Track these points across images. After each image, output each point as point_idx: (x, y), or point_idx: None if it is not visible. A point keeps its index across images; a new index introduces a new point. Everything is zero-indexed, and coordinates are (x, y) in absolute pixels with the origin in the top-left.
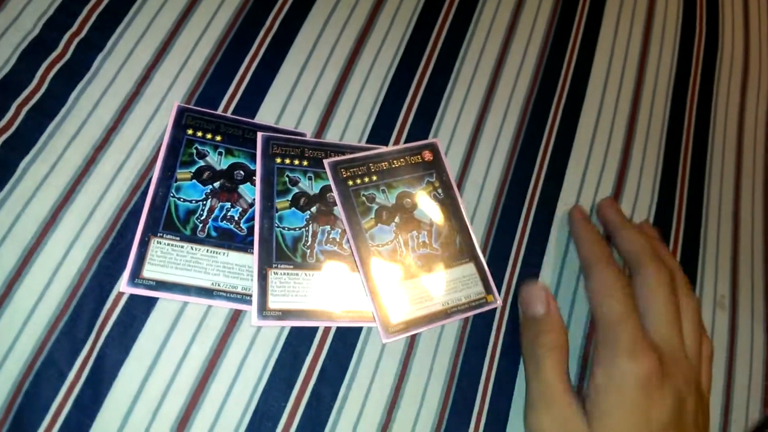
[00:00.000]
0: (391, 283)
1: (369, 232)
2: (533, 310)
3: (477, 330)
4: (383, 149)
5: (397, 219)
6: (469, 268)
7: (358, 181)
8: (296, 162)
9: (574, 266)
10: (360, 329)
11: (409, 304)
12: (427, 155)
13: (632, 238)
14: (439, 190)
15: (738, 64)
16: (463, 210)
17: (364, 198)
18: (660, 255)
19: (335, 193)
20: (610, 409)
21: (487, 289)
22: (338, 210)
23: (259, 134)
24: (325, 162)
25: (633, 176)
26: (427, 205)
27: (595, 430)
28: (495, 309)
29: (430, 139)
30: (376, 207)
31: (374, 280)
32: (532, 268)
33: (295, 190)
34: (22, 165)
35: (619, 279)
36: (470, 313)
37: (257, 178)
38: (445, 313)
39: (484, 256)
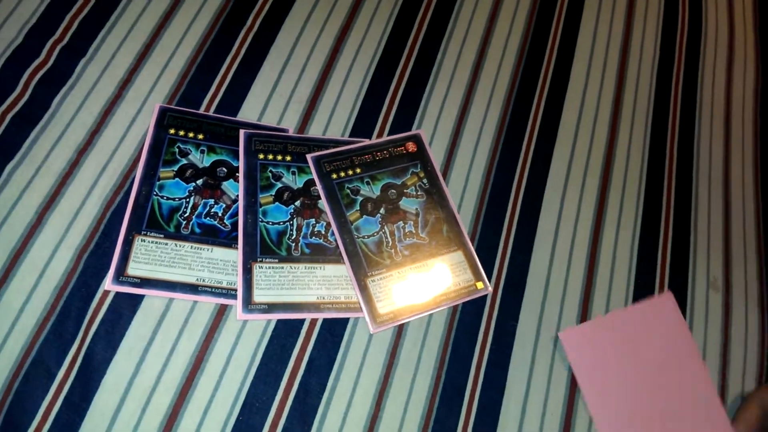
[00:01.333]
0: (378, 274)
1: (354, 224)
2: None
3: (467, 317)
4: (366, 142)
5: (382, 210)
6: (458, 256)
7: (342, 174)
8: (279, 157)
9: (565, 249)
10: (347, 320)
11: (397, 295)
12: (411, 146)
13: None
14: (425, 180)
15: (723, 42)
16: (449, 199)
17: (348, 190)
18: None
19: (319, 187)
20: None
21: (477, 276)
22: (323, 203)
23: (242, 131)
24: (308, 156)
25: (620, 159)
26: (412, 195)
27: None
28: (486, 296)
29: (414, 131)
30: (360, 199)
31: (361, 271)
32: (522, 254)
33: (279, 185)
34: (7, 170)
35: None
36: (460, 301)
37: (240, 175)
38: (434, 302)
39: (473, 243)
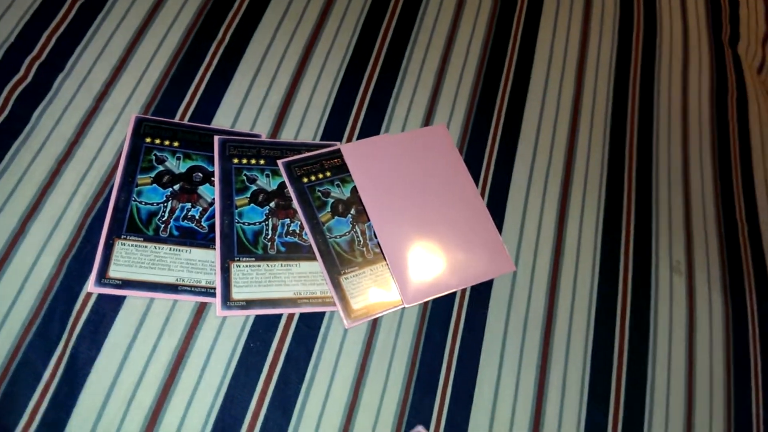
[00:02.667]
0: (351, 272)
1: (326, 225)
2: None
3: (439, 306)
4: (336, 146)
5: (353, 211)
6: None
7: (312, 177)
8: (253, 161)
9: (531, 245)
10: (323, 313)
11: (370, 291)
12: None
13: None
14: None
15: (678, 43)
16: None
17: (319, 193)
18: None
19: (291, 191)
20: None
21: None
22: (295, 206)
23: (216, 137)
24: (279, 162)
25: (581, 155)
26: None
27: None
28: (455, 292)
29: (381, 135)
30: (331, 201)
31: (334, 269)
32: None
33: (254, 187)
34: None
35: None
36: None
37: (216, 179)
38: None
39: None
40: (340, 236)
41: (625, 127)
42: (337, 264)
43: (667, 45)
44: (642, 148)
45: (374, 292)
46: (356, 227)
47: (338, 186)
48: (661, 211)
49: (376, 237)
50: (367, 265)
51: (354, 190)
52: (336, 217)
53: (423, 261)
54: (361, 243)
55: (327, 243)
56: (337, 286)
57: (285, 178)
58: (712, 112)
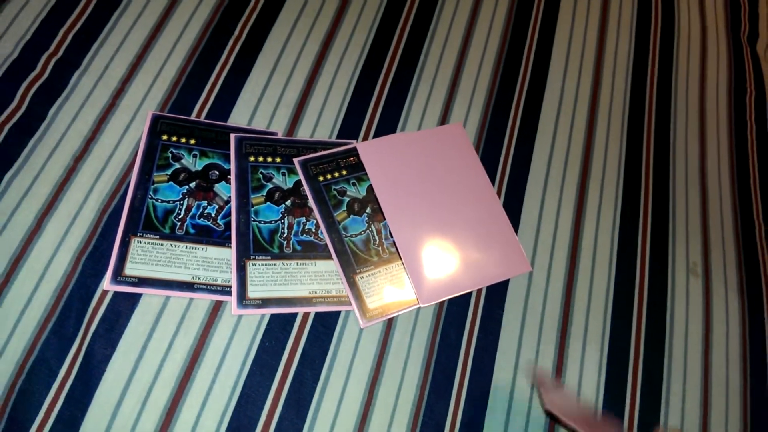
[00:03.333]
0: (367, 271)
1: (342, 224)
2: None
3: (454, 307)
4: (352, 145)
5: (368, 210)
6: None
7: (329, 176)
8: (269, 159)
9: (547, 243)
10: (338, 313)
11: (385, 290)
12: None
13: None
14: None
15: (696, 40)
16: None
17: (335, 192)
18: None
19: (306, 189)
20: None
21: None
22: (311, 204)
23: (233, 135)
24: (295, 160)
25: (598, 155)
26: None
27: None
28: (470, 292)
29: (397, 134)
30: (347, 200)
31: (349, 269)
32: None
33: (270, 185)
34: (5, 179)
35: None
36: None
37: (232, 177)
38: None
39: None
40: (356, 235)
41: (642, 127)
42: (352, 263)
43: (684, 42)
44: (659, 148)
45: (389, 291)
46: (372, 226)
47: (354, 185)
48: (678, 212)
49: (391, 236)
50: (383, 264)
51: (370, 188)
52: (352, 216)
53: (438, 261)
54: (377, 242)
55: (343, 242)
56: (352, 285)
57: (301, 176)
58: (730, 110)
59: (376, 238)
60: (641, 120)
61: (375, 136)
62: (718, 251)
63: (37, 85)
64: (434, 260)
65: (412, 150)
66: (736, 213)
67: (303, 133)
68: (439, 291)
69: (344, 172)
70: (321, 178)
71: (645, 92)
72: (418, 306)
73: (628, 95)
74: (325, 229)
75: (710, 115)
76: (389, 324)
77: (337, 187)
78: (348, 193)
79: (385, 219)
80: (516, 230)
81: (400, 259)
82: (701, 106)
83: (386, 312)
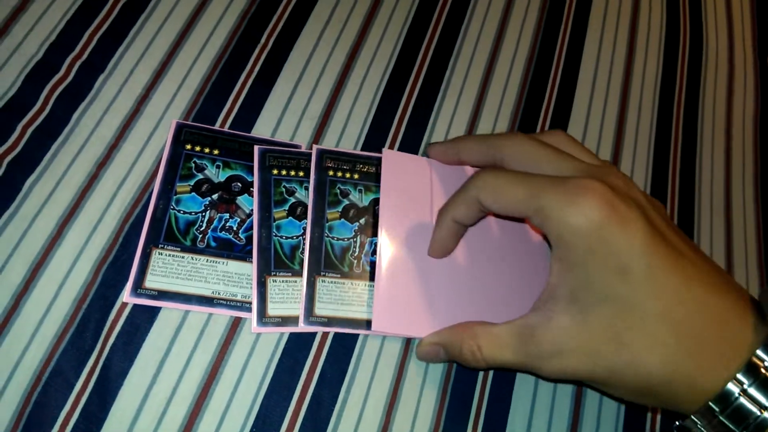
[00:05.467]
0: (330, 277)
1: (329, 223)
2: None
3: None
4: (377, 154)
5: (362, 221)
6: None
7: (339, 174)
8: (292, 173)
9: None
10: (357, 334)
11: (340, 302)
12: None
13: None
14: None
15: (723, 62)
16: None
17: (338, 190)
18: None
19: (312, 178)
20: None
21: None
22: (309, 193)
23: (256, 148)
24: (314, 147)
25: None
26: None
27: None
28: None
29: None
30: (346, 202)
31: (317, 268)
32: None
33: (292, 200)
34: (27, 183)
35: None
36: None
37: (255, 190)
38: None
39: None
40: (339, 239)
41: (668, 151)
42: (321, 264)
43: (712, 64)
44: (685, 174)
45: (344, 306)
46: (358, 237)
47: (360, 192)
48: (702, 240)
49: (373, 255)
50: (350, 278)
51: (373, 201)
52: (343, 220)
53: (416, 297)
54: (355, 254)
55: (322, 239)
56: (311, 285)
57: (312, 165)
58: (756, 134)
59: (356, 250)
60: (668, 144)
61: (400, 150)
62: (741, 276)
63: (61, 87)
64: (411, 294)
65: (441, 178)
66: (760, 242)
67: (327, 146)
68: (397, 325)
69: (356, 176)
70: (330, 173)
71: (672, 115)
72: (364, 332)
73: (654, 120)
74: (311, 221)
75: (736, 139)
76: (406, 348)
77: (342, 187)
78: (350, 196)
79: (374, 236)
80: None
81: (372, 279)
82: (728, 129)
83: (331, 322)
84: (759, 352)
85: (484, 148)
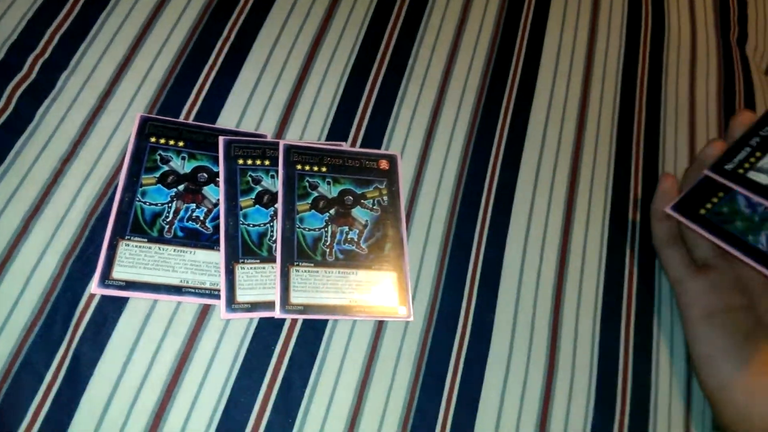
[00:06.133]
0: (305, 267)
1: (300, 215)
2: None
3: (445, 310)
4: (343, 146)
5: (332, 211)
6: (390, 276)
7: (307, 167)
8: (258, 162)
9: (537, 246)
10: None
11: (310, 290)
12: (384, 164)
13: None
14: (385, 198)
15: (686, 42)
16: (402, 223)
17: (307, 183)
18: None
19: (280, 173)
20: None
21: (402, 301)
22: (278, 187)
23: (221, 138)
24: (280, 143)
25: (588, 158)
26: (368, 207)
27: None
28: (462, 294)
29: (391, 151)
30: (315, 194)
31: (289, 259)
32: (495, 248)
33: (259, 188)
34: None
35: None
36: (379, 318)
37: (221, 180)
38: (349, 309)
39: (448, 239)
40: (310, 230)
41: (632, 131)
42: (294, 254)
43: (674, 45)
44: (648, 153)
45: (319, 293)
46: (329, 227)
47: (328, 183)
48: None
49: (345, 243)
50: (323, 267)
51: (343, 192)
52: (313, 211)
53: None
54: (327, 243)
55: (293, 231)
56: (285, 275)
57: (280, 161)
58: (719, 113)
59: (328, 239)
60: (631, 124)
61: (365, 138)
62: None
63: (24, 86)
64: None
65: None
66: None
67: (292, 135)
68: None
69: (324, 169)
70: (299, 167)
71: (635, 96)
72: (343, 317)
73: (618, 99)
74: (282, 215)
75: (700, 117)
76: (379, 328)
77: (310, 180)
78: (319, 189)
79: (345, 227)
80: (506, 232)
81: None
82: (691, 107)
83: (307, 311)
84: None
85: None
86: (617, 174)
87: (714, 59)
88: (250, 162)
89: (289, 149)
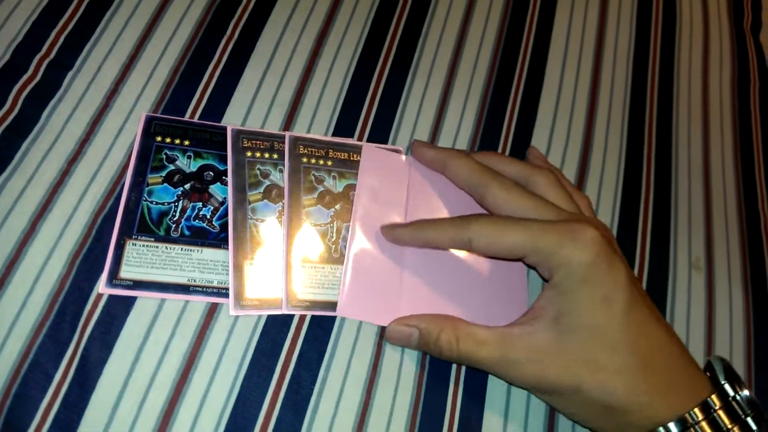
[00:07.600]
0: (309, 264)
1: (306, 209)
2: None
3: None
4: (349, 141)
5: (338, 206)
6: None
7: (313, 160)
8: (266, 155)
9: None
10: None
11: (315, 286)
12: None
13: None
14: None
15: (698, 29)
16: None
17: (313, 177)
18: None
19: (286, 166)
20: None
21: None
22: (284, 181)
23: (229, 128)
24: (286, 134)
25: (598, 149)
26: None
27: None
28: None
29: (397, 146)
30: (321, 189)
31: (293, 252)
32: None
33: (267, 182)
34: None
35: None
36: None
37: (229, 170)
38: None
39: None
40: (316, 225)
41: (643, 119)
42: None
43: (687, 33)
44: (661, 141)
45: (321, 289)
46: (335, 223)
47: (334, 178)
48: (680, 205)
49: (345, 241)
50: (328, 263)
51: (348, 187)
52: (319, 206)
53: (384, 288)
54: (333, 240)
55: (300, 225)
56: (289, 268)
57: (286, 152)
58: (733, 101)
59: (334, 235)
60: (642, 113)
61: (371, 134)
62: (722, 244)
63: (29, 87)
64: (379, 282)
65: (419, 180)
66: (741, 205)
67: (298, 131)
68: (361, 311)
69: (329, 163)
70: (304, 160)
71: (646, 85)
72: (333, 314)
73: (629, 88)
74: (287, 208)
75: (713, 105)
76: (384, 327)
77: (316, 174)
78: (325, 183)
79: (349, 222)
80: None
81: (344, 264)
82: (704, 97)
83: (312, 307)
84: (713, 397)
85: (473, 179)
86: (628, 166)
87: (727, 46)
88: (258, 155)
89: (296, 141)
